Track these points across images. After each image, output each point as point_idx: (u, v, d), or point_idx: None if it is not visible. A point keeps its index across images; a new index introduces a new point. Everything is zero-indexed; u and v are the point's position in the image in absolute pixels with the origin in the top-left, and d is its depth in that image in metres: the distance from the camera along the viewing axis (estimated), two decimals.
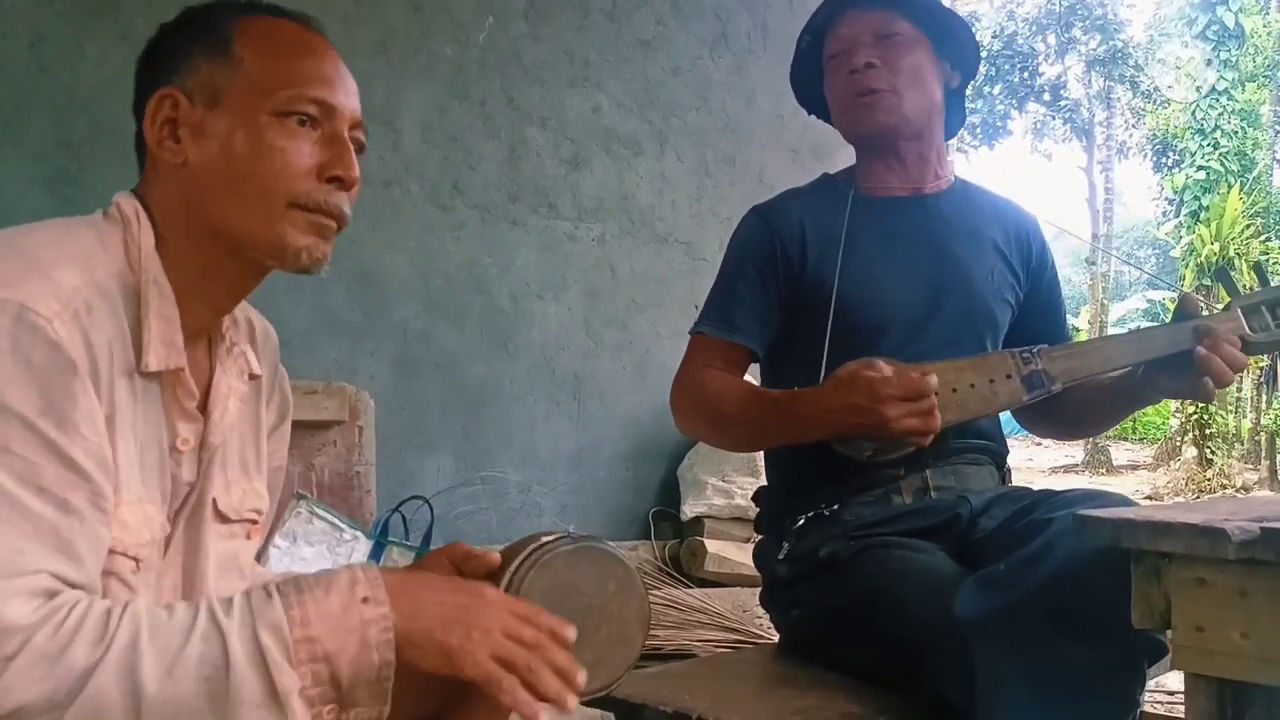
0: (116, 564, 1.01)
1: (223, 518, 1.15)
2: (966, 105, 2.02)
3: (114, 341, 0.99)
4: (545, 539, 1.14)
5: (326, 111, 1.10)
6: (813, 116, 2.08)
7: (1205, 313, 1.79)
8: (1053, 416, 1.91)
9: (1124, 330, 2.26)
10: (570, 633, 1.04)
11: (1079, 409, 1.88)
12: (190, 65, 1.08)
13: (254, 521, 1.21)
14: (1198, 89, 20.88)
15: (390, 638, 0.95)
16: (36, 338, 0.91)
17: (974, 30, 2.00)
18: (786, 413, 1.74)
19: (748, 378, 1.93)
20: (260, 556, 3.05)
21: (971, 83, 2.04)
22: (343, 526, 3.19)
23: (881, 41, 1.84)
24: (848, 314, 1.81)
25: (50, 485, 0.91)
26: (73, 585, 0.92)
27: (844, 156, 2.03)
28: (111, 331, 0.99)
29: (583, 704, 1.54)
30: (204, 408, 1.12)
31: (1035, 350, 1.73)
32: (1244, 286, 1.85)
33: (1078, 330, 22.33)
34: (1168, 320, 1.84)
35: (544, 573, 1.11)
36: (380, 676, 0.95)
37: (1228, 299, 1.81)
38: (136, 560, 1.03)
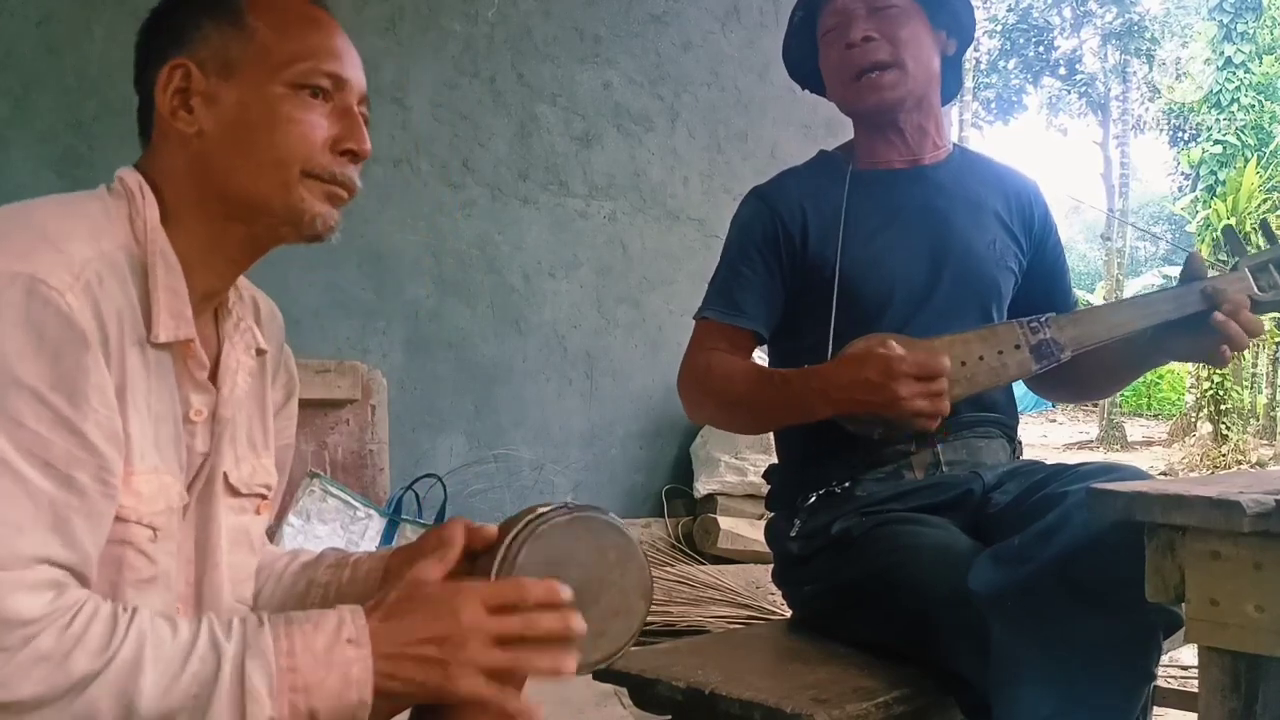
0: (132, 533, 1.01)
1: (234, 491, 1.16)
2: (978, 79, 2.02)
3: (124, 312, 1.00)
4: (541, 510, 1.12)
5: (338, 84, 1.13)
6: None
7: (1212, 273, 1.78)
8: (1063, 380, 1.91)
9: None
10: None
11: (1089, 373, 1.88)
12: (200, 35, 1.10)
13: (264, 497, 1.22)
14: (1214, 62, 20.68)
15: (370, 678, 0.97)
16: (48, 310, 0.91)
17: None
18: (797, 390, 1.73)
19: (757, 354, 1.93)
20: (274, 536, 3.05)
21: (970, 48, 2.03)
22: (356, 505, 3.20)
23: (876, 14, 1.84)
24: (850, 290, 1.81)
25: (57, 460, 0.91)
26: (64, 567, 0.92)
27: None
28: (121, 302, 1.00)
29: (593, 677, 1.55)
30: (213, 380, 1.13)
31: (1043, 319, 1.73)
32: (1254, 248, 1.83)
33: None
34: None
35: (538, 546, 1.09)
36: (356, 717, 0.97)
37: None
38: (154, 529, 1.04)
